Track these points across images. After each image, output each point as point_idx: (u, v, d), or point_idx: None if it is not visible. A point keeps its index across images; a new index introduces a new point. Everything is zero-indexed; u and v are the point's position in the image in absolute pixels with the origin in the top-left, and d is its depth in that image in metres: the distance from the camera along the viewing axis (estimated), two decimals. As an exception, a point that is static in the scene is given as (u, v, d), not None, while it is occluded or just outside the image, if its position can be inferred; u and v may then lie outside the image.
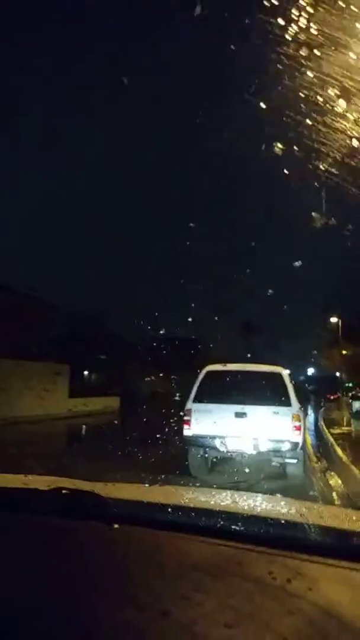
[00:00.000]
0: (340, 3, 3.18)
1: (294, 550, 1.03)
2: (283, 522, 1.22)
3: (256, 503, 1.53)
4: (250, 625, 0.76)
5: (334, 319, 30.29)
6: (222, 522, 1.18)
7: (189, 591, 0.84)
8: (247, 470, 7.11)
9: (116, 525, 1.14)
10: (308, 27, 3.28)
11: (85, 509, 1.18)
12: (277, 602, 0.83)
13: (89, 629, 0.75)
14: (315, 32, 3.31)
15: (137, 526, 1.14)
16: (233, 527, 1.15)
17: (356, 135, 3.94)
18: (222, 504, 1.47)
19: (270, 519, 1.22)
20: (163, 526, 1.15)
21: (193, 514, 1.25)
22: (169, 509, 1.24)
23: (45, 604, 0.81)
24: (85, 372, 31.60)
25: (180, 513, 1.24)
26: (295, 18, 3.27)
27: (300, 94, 3.82)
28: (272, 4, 3.32)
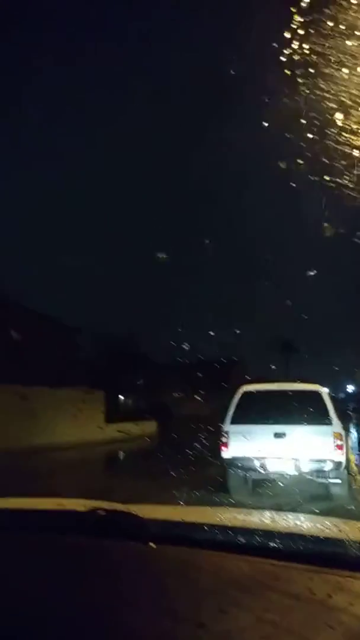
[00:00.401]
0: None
1: (334, 566, 1.01)
2: (322, 538, 1.20)
3: (294, 521, 1.50)
4: (288, 638, 0.75)
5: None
6: (259, 540, 1.17)
7: (225, 605, 0.84)
8: (289, 492, 6.94)
9: (153, 545, 1.14)
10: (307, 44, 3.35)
11: (121, 528, 1.20)
12: (316, 617, 0.81)
13: (126, 639, 0.76)
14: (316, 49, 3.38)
15: (174, 545, 1.15)
16: (271, 544, 1.14)
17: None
18: (259, 522, 1.45)
19: (309, 536, 1.20)
20: (200, 544, 1.15)
21: (230, 532, 1.24)
22: (206, 528, 1.24)
23: (83, 619, 0.82)
24: (121, 397, 31.75)
25: (217, 531, 1.23)
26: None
27: (305, 106, 3.86)
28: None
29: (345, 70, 3.47)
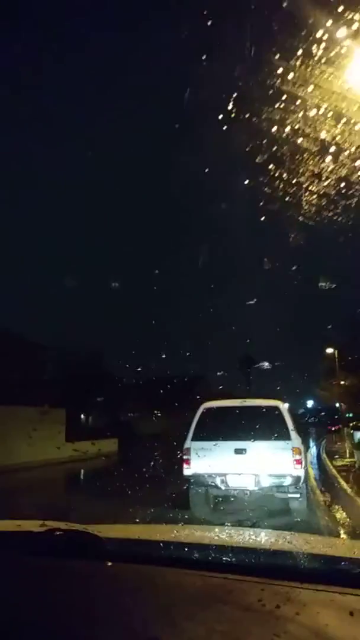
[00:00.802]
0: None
1: (285, 578, 1.06)
2: (273, 551, 1.25)
3: (248, 536, 1.54)
4: None
5: (329, 350, 30.37)
6: (213, 555, 1.20)
7: (178, 619, 0.86)
8: (249, 507, 6.98)
9: (109, 563, 1.16)
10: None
11: (78, 548, 1.20)
12: (265, 626, 0.85)
13: None
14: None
15: (130, 563, 1.16)
16: (224, 559, 1.17)
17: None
18: (215, 538, 1.48)
19: (260, 549, 1.25)
20: (155, 562, 1.17)
21: (185, 548, 1.27)
22: (161, 545, 1.26)
23: (40, 635, 0.83)
24: (82, 415, 31.19)
25: (172, 548, 1.26)
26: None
27: (310, 117, 4.03)
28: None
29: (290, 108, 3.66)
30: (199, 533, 1.60)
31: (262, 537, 1.54)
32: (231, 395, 9.74)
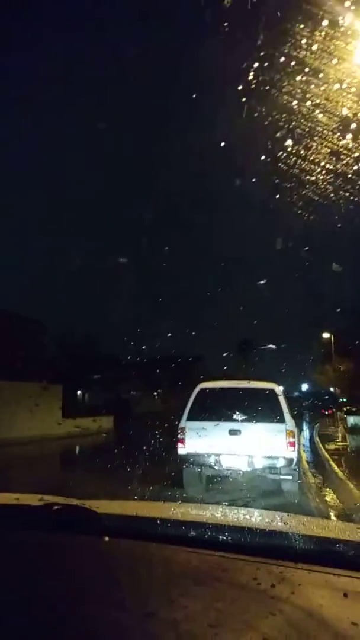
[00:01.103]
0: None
1: (279, 558, 1.07)
2: (269, 531, 1.26)
3: (243, 516, 1.56)
4: (233, 625, 0.79)
5: (326, 335, 30.48)
6: (209, 533, 1.21)
7: (174, 595, 0.88)
8: (242, 487, 7.08)
9: (107, 538, 1.17)
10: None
11: (76, 523, 1.22)
12: (260, 605, 0.86)
13: (77, 629, 0.78)
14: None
15: (127, 539, 1.18)
16: (220, 537, 1.19)
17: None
18: (210, 516, 1.50)
19: (256, 529, 1.26)
20: (152, 538, 1.18)
21: (181, 526, 1.28)
22: (158, 522, 1.28)
23: (36, 609, 0.84)
24: (79, 393, 31.38)
25: (169, 525, 1.27)
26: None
27: (306, 102, 3.95)
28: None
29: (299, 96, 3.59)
30: (195, 511, 1.61)
31: (258, 517, 1.56)
32: (228, 377, 9.78)
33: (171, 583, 0.94)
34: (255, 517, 1.55)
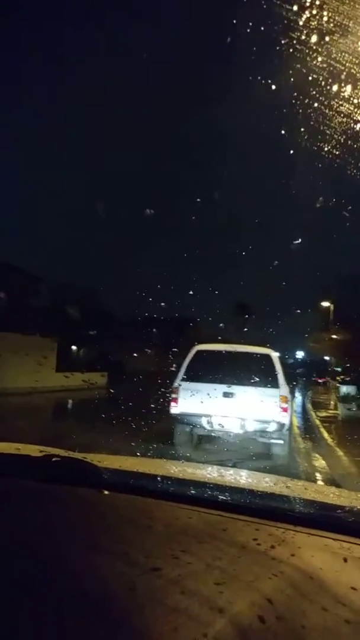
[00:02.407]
0: None
1: (279, 520, 1.07)
2: (269, 494, 1.26)
3: (242, 477, 1.57)
4: (236, 584, 0.79)
5: (325, 304, 30.50)
6: (209, 492, 1.22)
7: (177, 552, 0.87)
8: (232, 449, 7.22)
9: (106, 492, 1.17)
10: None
11: (76, 475, 1.21)
12: (261, 566, 0.86)
13: (82, 581, 0.78)
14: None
15: (127, 493, 1.17)
16: (220, 497, 1.19)
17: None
18: (209, 476, 1.51)
19: (256, 491, 1.26)
20: (152, 494, 1.18)
21: (181, 484, 1.28)
22: (158, 479, 1.28)
23: (39, 561, 0.84)
24: (74, 347, 31.55)
25: (168, 483, 1.27)
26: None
27: (307, 78, 3.78)
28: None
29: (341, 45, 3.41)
30: (196, 470, 1.62)
31: (258, 479, 1.57)
32: (224, 341, 9.81)
33: (173, 539, 0.94)
34: (254, 479, 1.56)
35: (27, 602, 0.73)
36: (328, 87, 3.86)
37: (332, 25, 3.44)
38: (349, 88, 3.83)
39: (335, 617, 0.73)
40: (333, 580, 0.84)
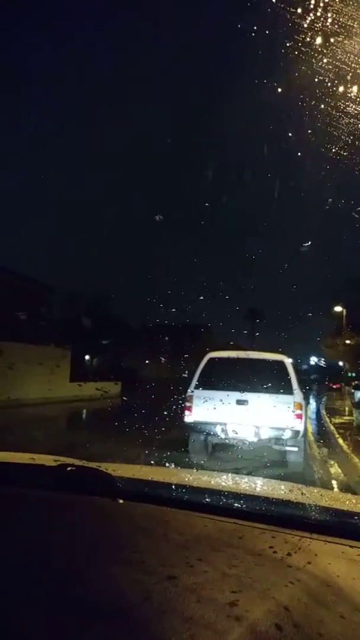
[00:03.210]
0: None
1: (295, 528, 1.06)
2: (284, 501, 1.26)
3: (257, 485, 1.56)
4: (253, 592, 0.79)
5: (338, 308, 30.29)
6: (224, 500, 1.21)
7: (193, 560, 0.87)
8: (247, 456, 7.17)
9: (121, 501, 1.17)
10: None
11: (90, 484, 1.22)
12: (277, 573, 0.86)
13: (98, 590, 0.78)
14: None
15: (141, 502, 1.18)
16: (235, 505, 1.18)
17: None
18: (224, 484, 1.50)
19: (271, 499, 1.26)
20: (167, 503, 1.18)
21: (196, 492, 1.28)
22: (173, 487, 1.28)
23: (56, 569, 0.84)
24: (87, 357, 31.68)
25: (183, 491, 1.27)
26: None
27: (313, 77, 3.78)
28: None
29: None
30: (211, 478, 1.62)
31: (272, 487, 1.56)
32: (237, 347, 9.79)
33: (188, 547, 0.94)
34: (268, 486, 1.55)
35: (44, 611, 0.73)
36: (334, 88, 3.86)
37: (337, 26, 3.44)
38: (355, 89, 3.82)
39: (353, 624, 0.73)
40: (350, 587, 0.83)
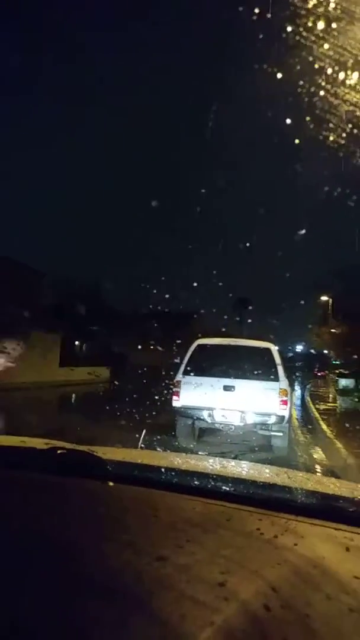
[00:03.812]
0: None
1: (281, 510, 1.09)
2: (271, 484, 1.28)
3: (244, 468, 1.59)
4: (242, 573, 0.81)
5: (324, 297, 30.52)
6: (212, 483, 1.24)
7: (182, 541, 0.89)
8: (233, 441, 7.27)
9: (111, 483, 1.19)
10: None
11: (80, 467, 1.23)
12: (265, 554, 0.88)
13: (90, 570, 0.80)
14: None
15: (131, 485, 1.20)
16: (223, 488, 1.21)
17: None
18: (211, 468, 1.53)
19: (258, 482, 1.28)
20: (156, 485, 1.20)
21: (185, 475, 1.30)
22: (162, 470, 1.30)
23: (47, 550, 0.86)
24: (77, 342, 31.61)
25: (172, 474, 1.29)
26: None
27: (311, 66, 3.75)
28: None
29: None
30: (199, 462, 1.64)
31: (259, 470, 1.59)
32: (225, 335, 9.85)
33: (177, 529, 0.96)
34: (256, 470, 1.58)
35: (38, 589, 0.75)
36: (331, 77, 3.84)
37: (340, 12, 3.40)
38: (354, 77, 3.80)
39: (339, 605, 0.75)
40: (336, 569, 0.86)
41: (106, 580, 0.77)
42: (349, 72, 3.73)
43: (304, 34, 3.50)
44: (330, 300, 29.86)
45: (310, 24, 3.43)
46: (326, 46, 3.52)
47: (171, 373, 8.23)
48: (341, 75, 3.73)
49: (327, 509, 1.12)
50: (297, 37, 3.55)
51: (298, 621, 0.70)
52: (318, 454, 8.08)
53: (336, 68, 3.67)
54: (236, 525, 1.01)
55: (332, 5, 3.28)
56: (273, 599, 0.74)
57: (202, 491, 1.18)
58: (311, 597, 0.76)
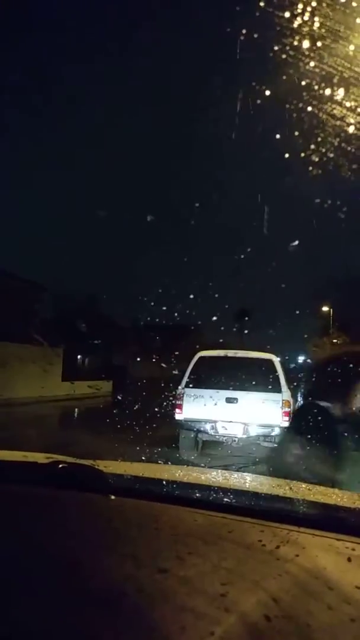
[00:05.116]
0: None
1: (283, 521, 1.09)
2: (272, 496, 1.28)
3: (246, 480, 1.59)
4: (243, 584, 0.81)
5: (325, 308, 30.56)
6: (214, 495, 1.24)
7: (184, 553, 0.90)
8: (236, 453, 7.23)
9: (113, 497, 1.19)
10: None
11: (82, 481, 1.24)
12: (267, 566, 0.89)
13: (92, 582, 0.80)
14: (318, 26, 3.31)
15: (133, 498, 1.20)
16: (225, 500, 1.21)
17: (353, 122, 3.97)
18: (213, 480, 1.53)
19: (260, 494, 1.29)
20: (158, 498, 1.21)
21: (186, 488, 1.31)
22: (164, 483, 1.30)
23: (49, 563, 0.86)
24: (79, 356, 31.59)
25: (174, 486, 1.30)
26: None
27: (301, 81, 3.81)
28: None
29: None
30: (201, 474, 1.65)
31: (261, 482, 1.59)
32: (226, 347, 9.85)
33: (179, 541, 0.96)
34: (257, 482, 1.58)
35: (39, 602, 0.75)
36: (321, 91, 3.90)
37: (327, 30, 3.47)
38: (341, 92, 3.86)
39: (341, 615, 0.75)
40: (338, 579, 0.86)
41: (108, 593, 0.77)
42: (336, 89, 3.80)
43: (292, 53, 3.58)
44: (331, 311, 29.89)
45: (304, 44, 3.50)
46: (313, 63, 3.59)
47: (171, 385, 8.22)
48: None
49: (328, 519, 1.12)
50: (284, 55, 3.62)
51: (299, 632, 0.70)
52: (321, 464, 8.02)
53: (325, 84, 3.74)
54: (238, 536, 1.01)
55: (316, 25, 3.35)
56: (274, 609, 0.74)
57: (204, 503, 1.18)
58: (312, 607, 0.76)
